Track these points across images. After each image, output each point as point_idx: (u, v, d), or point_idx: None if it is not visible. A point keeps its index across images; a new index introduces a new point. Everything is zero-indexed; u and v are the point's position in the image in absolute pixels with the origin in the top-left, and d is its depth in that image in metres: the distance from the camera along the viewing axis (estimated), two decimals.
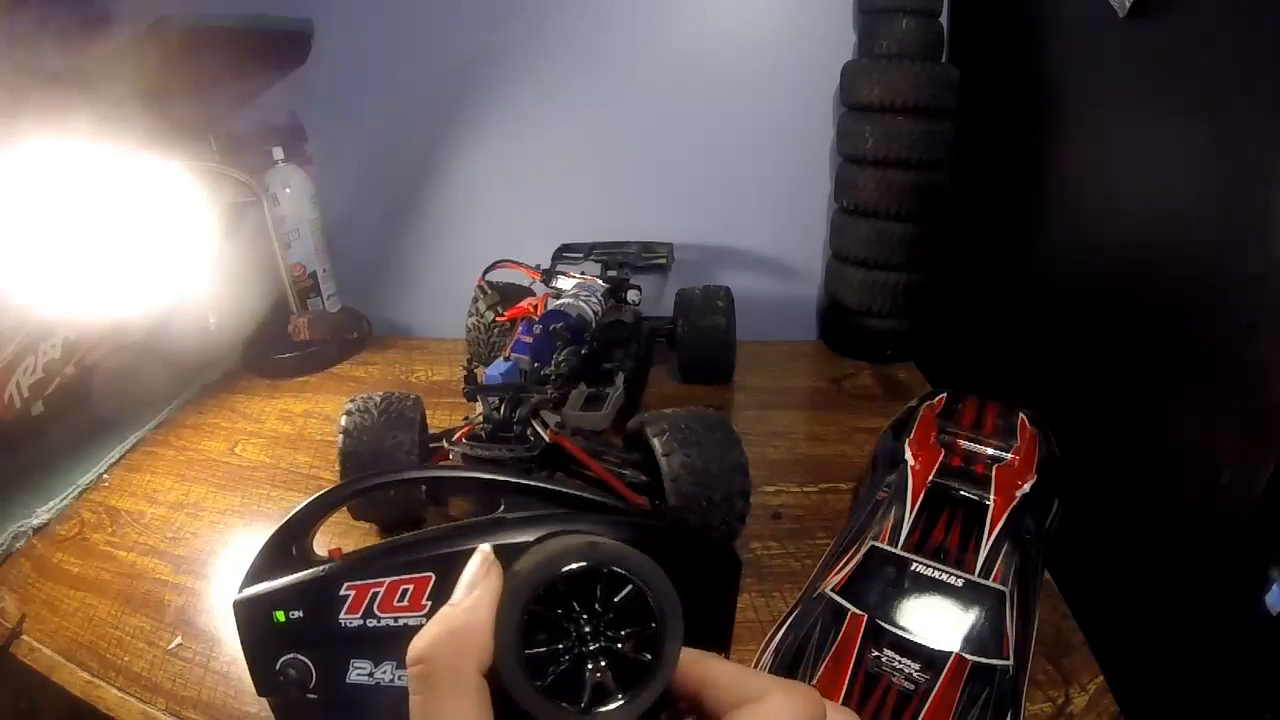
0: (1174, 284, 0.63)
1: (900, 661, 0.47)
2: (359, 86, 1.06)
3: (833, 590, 0.52)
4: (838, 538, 0.61)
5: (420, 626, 0.22)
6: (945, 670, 0.46)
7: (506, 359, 0.74)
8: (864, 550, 0.54)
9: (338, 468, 0.66)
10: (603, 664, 0.21)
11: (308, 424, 0.92)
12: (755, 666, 0.48)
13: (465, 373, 0.68)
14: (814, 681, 0.46)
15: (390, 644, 0.24)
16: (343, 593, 0.25)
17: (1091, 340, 0.76)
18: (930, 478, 0.59)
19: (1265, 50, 0.52)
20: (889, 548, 0.54)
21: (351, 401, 0.69)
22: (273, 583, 0.26)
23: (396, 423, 0.66)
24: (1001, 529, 0.55)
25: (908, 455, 0.62)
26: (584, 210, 1.10)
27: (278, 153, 1.01)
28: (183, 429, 0.93)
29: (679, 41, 1.03)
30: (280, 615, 0.25)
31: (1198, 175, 0.61)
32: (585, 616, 0.22)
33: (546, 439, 0.64)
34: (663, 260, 1.00)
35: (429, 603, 0.24)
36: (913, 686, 0.45)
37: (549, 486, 0.28)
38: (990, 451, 0.63)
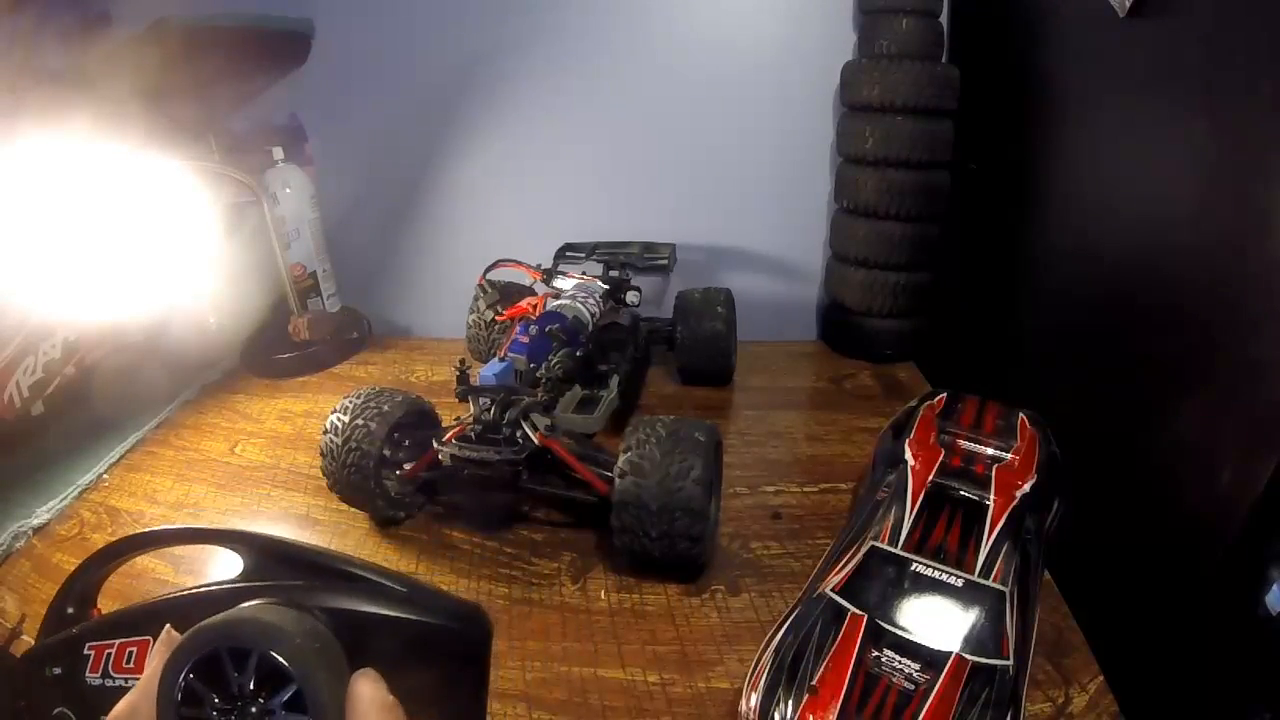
0: (1174, 283, 0.63)
1: (900, 661, 0.47)
2: (359, 86, 1.06)
3: (833, 590, 0.52)
4: (838, 538, 0.61)
5: None
6: (945, 670, 0.46)
7: (502, 359, 0.74)
8: (864, 550, 0.55)
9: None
10: None
11: (308, 424, 0.92)
12: (755, 666, 0.48)
13: (457, 373, 0.68)
14: (814, 681, 0.46)
15: None
16: (85, 652, 0.26)
17: (1091, 340, 0.76)
18: (930, 478, 0.59)
19: (1265, 49, 0.52)
20: (889, 548, 0.54)
21: (345, 398, 0.71)
22: (46, 640, 0.28)
23: (371, 414, 0.69)
24: (1001, 529, 0.55)
25: (908, 455, 0.62)
26: (584, 210, 1.10)
27: (278, 153, 1.01)
28: (183, 429, 0.93)
29: (679, 41, 1.03)
30: (49, 670, 0.27)
31: (1197, 175, 0.61)
32: (241, 698, 0.22)
33: (536, 441, 0.64)
34: (664, 261, 1.00)
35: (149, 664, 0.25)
36: (913, 686, 0.45)
37: (299, 548, 0.27)
38: (990, 451, 0.63)
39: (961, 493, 0.58)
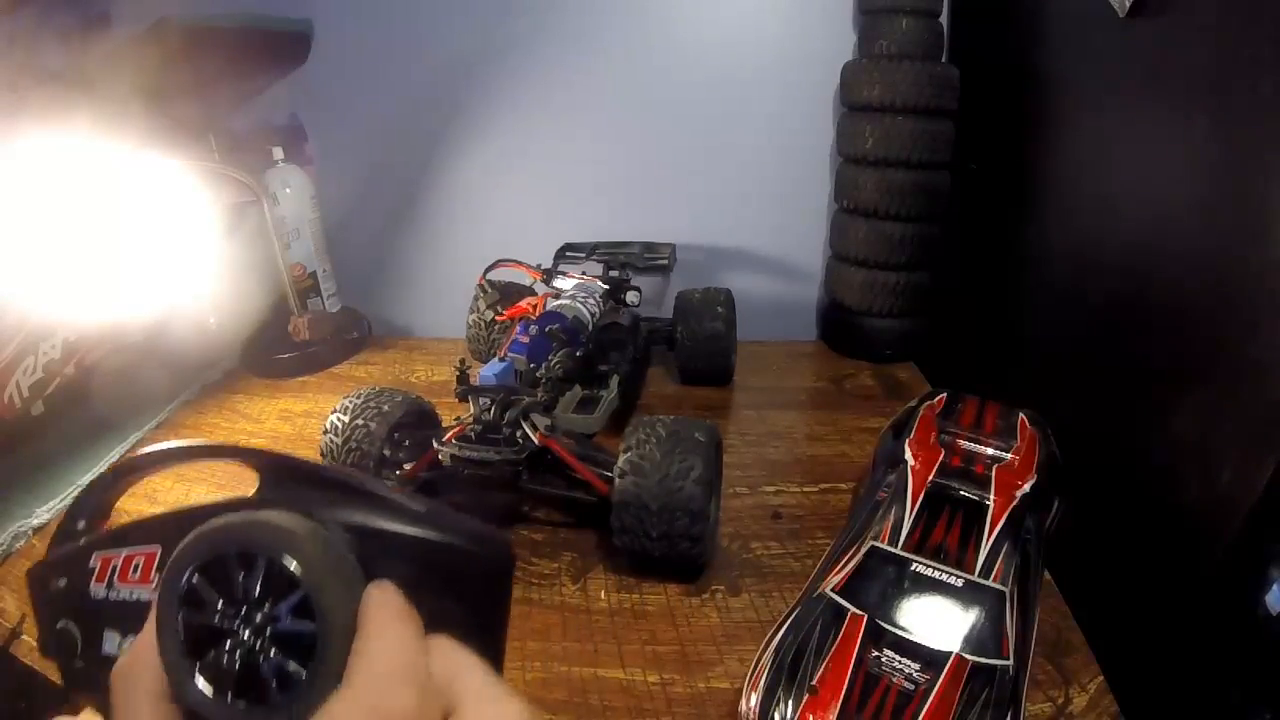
0: (1174, 283, 0.63)
1: (900, 661, 0.47)
2: (359, 86, 1.06)
3: (833, 590, 0.52)
4: (838, 538, 0.61)
5: (150, 602, 0.22)
6: (945, 670, 0.46)
7: (502, 359, 0.74)
8: (864, 550, 0.55)
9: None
10: (270, 657, 0.20)
11: (308, 424, 0.92)
12: (755, 666, 0.48)
13: (457, 373, 0.68)
14: (814, 681, 0.46)
15: (129, 617, 0.24)
16: (91, 564, 0.25)
17: (1091, 340, 0.76)
18: (930, 478, 0.59)
19: (1265, 49, 0.52)
20: (889, 548, 0.54)
21: (345, 398, 0.72)
22: (54, 553, 0.27)
23: (371, 414, 0.69)
24: (1001, 529, 0.55)
25: (908, 455, 0.62)
26: (584, 210, 1.11)
27: (278, 153, 1.01)
28: (183, 429, 0.93)
29: (679, 42, 1.03)
30: (55, 583, 0.26)
31: (1197, 174, 0.61)
32: (246, 607, 0.21)
33: (536, 441, 0.64)
34: (664, 261, 1.00)
35: (157, 575, 0.24)
36: (913, 686, 0.45)
37: (312, 465, 0.26)
38: (990, 451, 0.63)
39: (961, 493, 0.58)
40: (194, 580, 0.21)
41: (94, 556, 0.25)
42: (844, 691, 0.45)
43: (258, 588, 0.21)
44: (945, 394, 0.73)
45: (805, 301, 1.16)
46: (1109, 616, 0.58)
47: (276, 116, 1.08)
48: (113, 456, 0.86)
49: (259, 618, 0.21)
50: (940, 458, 0.61)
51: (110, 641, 0.25)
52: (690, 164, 1.08)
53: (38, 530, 0.73)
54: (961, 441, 0.65)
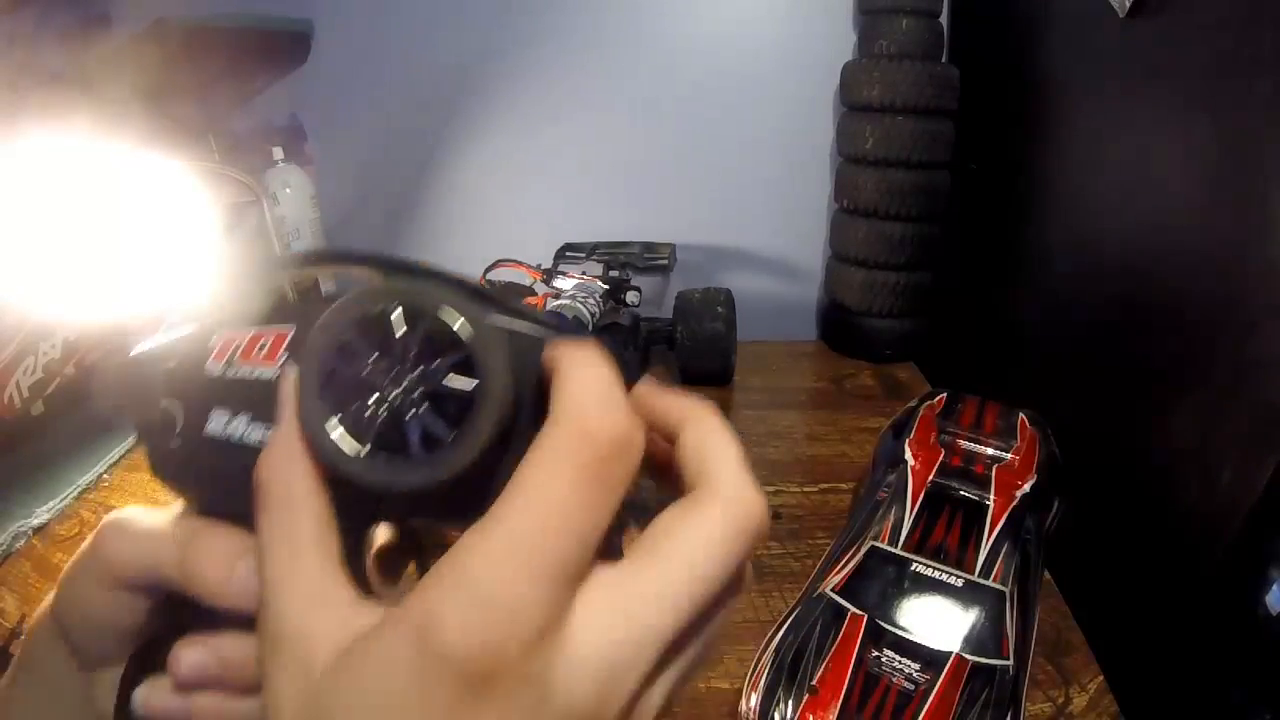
0: (1174, 283, 0.63)
1: (900, 661, 0.47)
2: (359, 86, 1.06)
3: (833, 590, 0.52)
4: (838, 538, 0.61)
5: (271, 380, 0.22)
6: (945, 670, 0.46)
7: None
8: (864, 550, 0.55)
9: None
10: (420, 414, 0.19)
11: None
12: (755, 666, 0.48)
13: None
14: (814, 681, 0.46)
15: (244, 395, 0.23)
16: (212, 343, 0.24)
17: (1091, 340, 0.76)
18: (930, 478, 0.59)
19: (1265, 49, 0.52)
20: (889, 548, 0.54)
21: None
22: (164, 337, 0.25)
23: None
24: (1001, 529, 0.55)
25: (908, 455, 0.62)
26: (584, 210, 1.11)
27: (278, 153, 1.01)
28: None
29: (679, 41, 1.03)
30: (164, 366, 0.25)
31: (1197, 174, 0.61)
32: (401, 363, 0.20)
33: None
34: (664, 261, 1.00)
35: (285, 354, 0.23)
36: (913, 686, 0.45)
37: (458, 277, 0.24)
38: (990, 451, 0.63)
39: (961, 493, 0.58)
40: (349, 333, 0.20)
41: (215, 336, 0.24)
42: (844, 691, 0.45)
43: (417, 345, 0.20)
44: (945, 394, 0.73)
45: (805, 301, 1.16)
46: (1109, 616, 0.58)
47: (276, 116, 1.08)
48: (113, 456, 0.86)
49: (413, 376, 0.20)
50: (940, 458, 0.61)
51: (217, 420, 0.23)
52: (690, 164, 1.08)
53: (38, 530, 0.73)
54: (961, 441, 0.65)
